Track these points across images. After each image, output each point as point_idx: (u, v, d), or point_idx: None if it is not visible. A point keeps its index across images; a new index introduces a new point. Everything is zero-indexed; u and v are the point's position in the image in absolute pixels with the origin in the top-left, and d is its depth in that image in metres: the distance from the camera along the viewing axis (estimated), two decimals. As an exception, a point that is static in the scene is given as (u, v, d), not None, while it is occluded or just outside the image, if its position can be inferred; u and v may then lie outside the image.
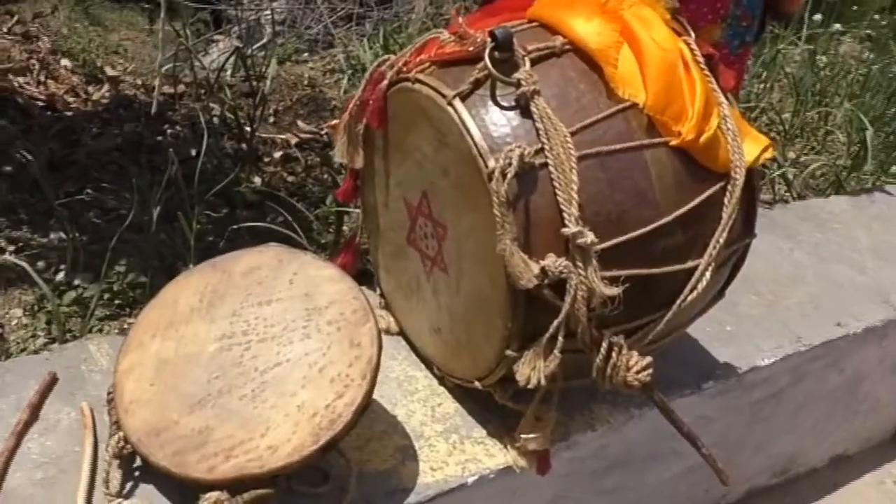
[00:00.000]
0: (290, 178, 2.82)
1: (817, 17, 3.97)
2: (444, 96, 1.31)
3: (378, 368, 1.31)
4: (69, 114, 2.88)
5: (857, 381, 2.11)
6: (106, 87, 3.08)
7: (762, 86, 3.72)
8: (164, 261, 2.28)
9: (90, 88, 3.09)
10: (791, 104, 3.64)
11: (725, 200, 1.35)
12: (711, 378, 1.74)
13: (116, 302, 2.21)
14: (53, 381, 1.45)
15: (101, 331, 2.14)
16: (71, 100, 2.98)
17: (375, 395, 1.50)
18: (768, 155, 1.40)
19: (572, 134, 1.26)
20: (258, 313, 1.37)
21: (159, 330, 1.39)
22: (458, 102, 1.29)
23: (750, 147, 1.38)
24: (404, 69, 1.43)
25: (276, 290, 1.38)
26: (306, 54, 3.73)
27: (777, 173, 3.03)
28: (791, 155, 3.35)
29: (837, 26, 4.07)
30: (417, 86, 1.37)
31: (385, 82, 1.45)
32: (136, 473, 1.33)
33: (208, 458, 1.24)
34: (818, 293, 2.09)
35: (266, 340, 1.33)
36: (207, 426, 1.27)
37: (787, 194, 3.01)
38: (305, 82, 3.39)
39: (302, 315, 1.35)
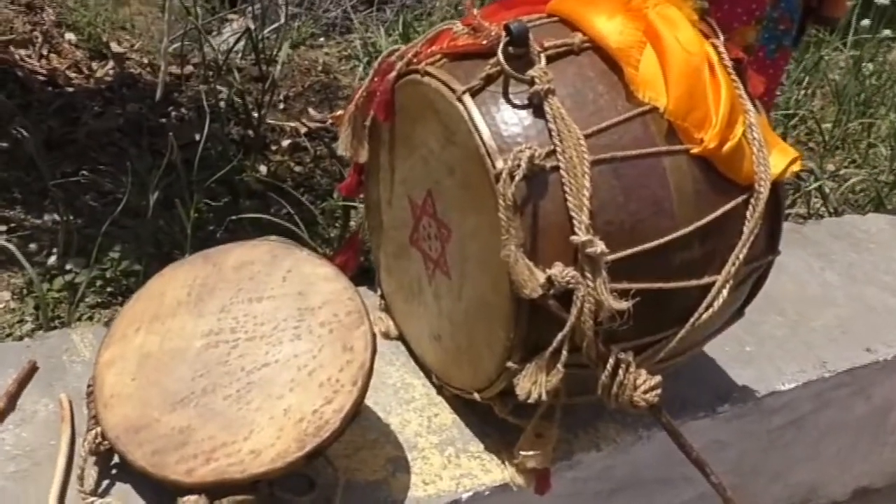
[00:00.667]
0: (298, 169, 2.83)
1: (865, 22, 3.93)
2: (453, 91, 1.30)
3: (371, 374, 1.30)
4: (70, 90, 2.90)
5: (886, 411, 2.09)
6: (110, 64, 3.10)
7: (803, 92, 3.70)
8: (160, 248, 2.30)
9: (94, 65, 3.11)
10: (833, 113, 3.62)
11: (748, 214, 1.34)
12: (727, 401, 1.72)
13: (108, 289, 2.23)
14: (33, 369, 1.46)
15: (90, 318, 2.16)
16: (73, 76, 3.00)
17: (369, 402, 1.51)
18: (796, 168, 1.39)
19: (587, 137, 1.25)
20: (248, 310, 1.37)
21: (144, 323, 1.40)
22: (467, 98, 1.29)
23: (776, 159, 1.36)
24: (414, 60, 1.43)
25: (268, 287, 1.39)
26: (322, 39, 3.73)
27: (814, 186, 3.02)
28: (830, 167, 3.33)
29: (887, 32, 4.03)
30: (426, 79, 1.36)
31: (394, 73, 1.45)
32: (113, 471, 1.33)
33: (188, 459, 1.24)
34: (848, 316, 2.06)
35: (255, 339, 1.34)
36: (189, 426, 1.28)
37: (823, 209, 2.99)
38: (319, 68, 3.41)
39: (294, 314, 1.35)
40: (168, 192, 2.34)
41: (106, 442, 1.31)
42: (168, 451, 1.26)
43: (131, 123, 2.78)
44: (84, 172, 2.47)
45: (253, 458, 1.23)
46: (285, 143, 2.89)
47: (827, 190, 3.01)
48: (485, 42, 1.33)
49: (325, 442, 1.24)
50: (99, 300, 2.20)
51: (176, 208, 2.24)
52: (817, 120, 3.52)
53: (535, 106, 1.27)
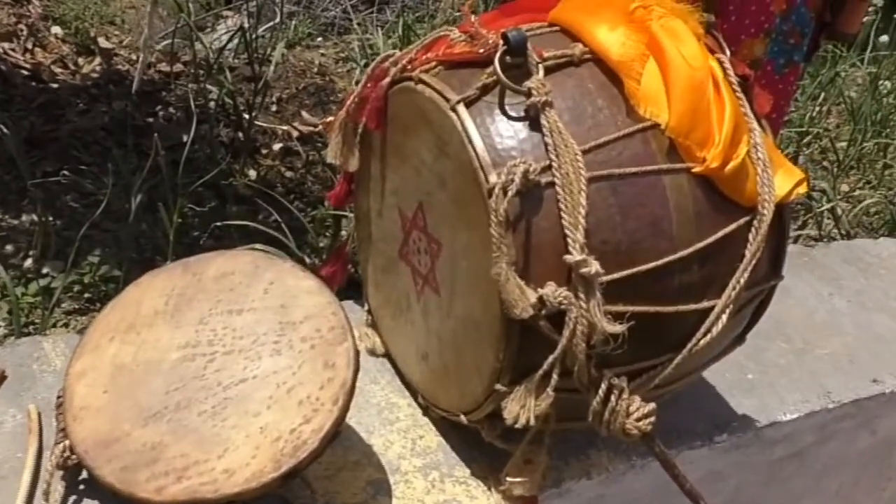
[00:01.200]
0: (289, 174, 2.83)
1: (884, 38, 3.94)
2: (447, 100, 1.31)
3: (352, 393, 1.30)
4: (55, 86, 2.90)
5: (892, 445, 2.09)
6: (97, 59, 3.10)
7: (818, 109, 3.70)
8: (142, 254, 2.29)
9: (80, 60, 3.11)
10: (848, 132, 3.62)
11: (750, 237, 1.34)
12: (726, 430, 1.72)
13: (86, 295, 2.23)
14: (1, 378, 1.46)
15: (66, 325, 2.16)
16: (58, 71, 3.00)
17: (352, 422, 1.51)
18: (802, 190, 1.39)
19: (584, 152, 1.25)
20: (227, 322, 1.37)
21: (118, 332, 1.39)
22: (461, 108, 1.29)
23: (781, 180, 1.36)
24: (409, 67, 1.43)
25: (248, 299, 1.39)
26: (319, 39, 3.74)
27: (826, 207, 3.01)
28: (844, 188, 3.33)
29: (906, 49, 4.05)
30: (420, 87, 1.37)
31: (387, 80, 1.45)
32: (81, 487, 1.33)
33: (158, 477, 1.24)
34: (855, 345, 2.07)
35: (233, 353, 1.33)
36: (161, 442, 1.27)
37: (835, 231, 2.99)
38: (315, 70, 3.40)
39: (275, 328, 1.35)
40: (152, 194, 2.34)
41: (74, 456, 1.30)
42: (138, 467, 1.26)
43: (117, 122, 2.78)
44: (65, 172, 2.46)
45: (226, 477, 1.23)
46: (276, 146, 2.89)
47: (839, 211, 3.00)
48: (481, 50, 1.33)
49: (301, 463, 1.24)
50: (76, 306, 2.19)
51: (159, 212, 2.24)
52: (832, 138, 3.52)
53: (532, 118, 1.27)
